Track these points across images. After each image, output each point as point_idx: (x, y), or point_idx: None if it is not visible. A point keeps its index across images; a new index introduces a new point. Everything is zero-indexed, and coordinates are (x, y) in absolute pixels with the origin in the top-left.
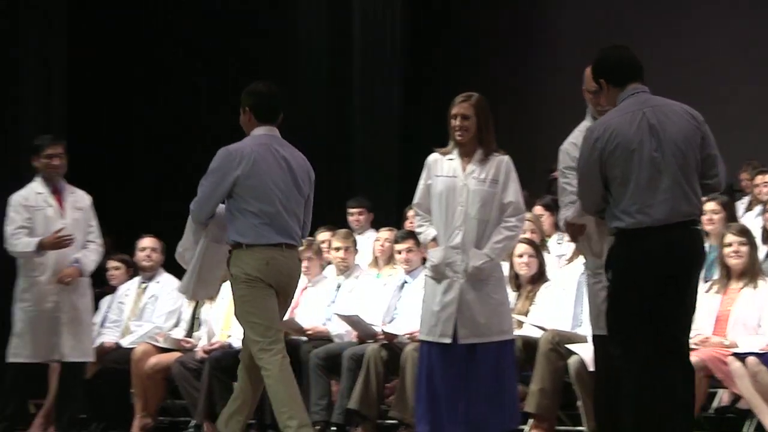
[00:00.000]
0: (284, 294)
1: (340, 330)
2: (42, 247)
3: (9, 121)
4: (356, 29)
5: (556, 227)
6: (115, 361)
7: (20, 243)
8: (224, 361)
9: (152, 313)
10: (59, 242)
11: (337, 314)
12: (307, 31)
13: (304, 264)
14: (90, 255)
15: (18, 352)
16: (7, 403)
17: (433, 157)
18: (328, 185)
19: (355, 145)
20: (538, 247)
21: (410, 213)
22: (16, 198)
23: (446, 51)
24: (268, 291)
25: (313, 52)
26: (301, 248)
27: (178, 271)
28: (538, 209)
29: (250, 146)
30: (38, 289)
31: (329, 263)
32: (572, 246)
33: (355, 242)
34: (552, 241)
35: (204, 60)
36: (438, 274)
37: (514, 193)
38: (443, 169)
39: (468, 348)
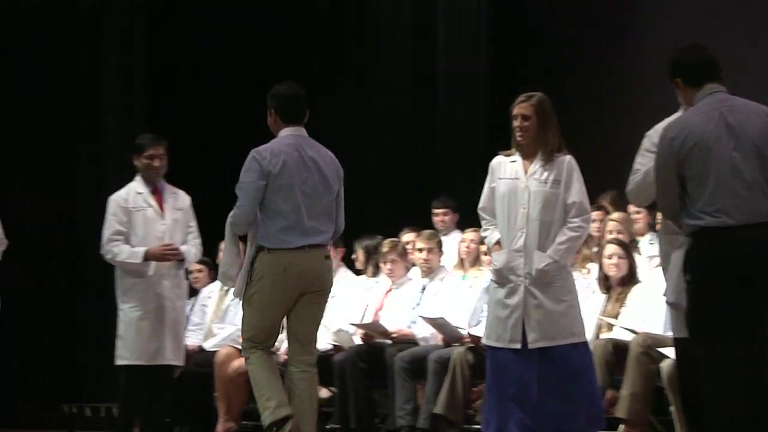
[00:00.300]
0: (315, 291)
1: (425, 333)
2: (147, 258)
3: (92, 117)
4: (441, 29)
5: (651, 227)
6: (198, 365)
7: (122, 252)
8: None
9: (235, 316)
10: (165, 255)
11: (423, 317)
12: (392, 30)
13: (388, 266)
14: (191, 248)
15: (122, 354)
16: (131, 408)
17: (497, 160)
18: (413, 185)
19: (439, 144)
20: (629, 248)
21: None
22: (115, 199)
23: (533, 49)
24: (277, 309)
25: (397, 52)
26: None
27: None
28: (632, 207)
29: (278, 147)
30: (141, 289)
31: (414, 265)
32: None
33: (439, 243)
34: (644, 242)
35: (287, 59)
36: (501, 279)
37: (577, 193)
38: (506, 171)
39: (539, 352)
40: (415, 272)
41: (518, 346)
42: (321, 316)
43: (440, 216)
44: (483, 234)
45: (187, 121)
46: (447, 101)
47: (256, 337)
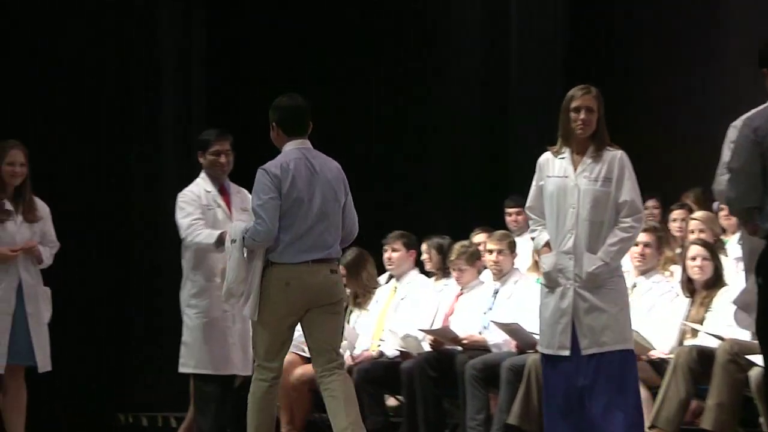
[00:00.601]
0: (324, 305)
1: (497, 339)
2: (220, 242)
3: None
4: (514, 23)
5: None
6: None
7: (202, 234)
8: (373, 372)
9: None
10: None
11: (495, 322)
12: (464, 28)
13: (455, 274)
14: None
15: (187, 362)
16: (209, 417)
17: (545, 157)
18: (484, 184)
19: (511, 141)
20: (714, 249)
21: None
22: (187, 194)
23: (615, 48)
24: (282, 323)
25: (468, 49)
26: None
27: None
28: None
29: (285, 162)
30: (208, 295)
31: (486, 267)
32: None
33: (512, 245)
34: (732, 242)
35: (357, 54)
36: (550, 282)
37: (629, 191)
38: (554, 169)
39: (588, 358)
40: (488, 275)
41: (567, 352)
42: (339, 325)
43: (513, 216)
44: (531, 235)
45: (249, 112)
46: (519, 98)
47: (265, 357)
